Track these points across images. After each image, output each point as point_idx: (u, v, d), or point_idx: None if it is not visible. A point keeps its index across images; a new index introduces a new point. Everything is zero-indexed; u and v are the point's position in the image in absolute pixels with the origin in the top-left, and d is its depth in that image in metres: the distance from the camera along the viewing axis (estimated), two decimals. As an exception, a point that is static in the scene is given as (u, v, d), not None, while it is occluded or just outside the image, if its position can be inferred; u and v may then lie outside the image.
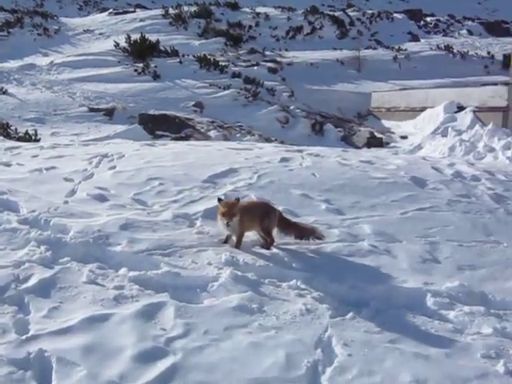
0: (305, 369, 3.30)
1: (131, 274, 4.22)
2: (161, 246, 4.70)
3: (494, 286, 4.64)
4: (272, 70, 25.61)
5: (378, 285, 4.41)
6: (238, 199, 4.78)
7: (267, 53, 28.70)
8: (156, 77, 22.80)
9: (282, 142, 15.48)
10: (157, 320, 3.69)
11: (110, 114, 19.22)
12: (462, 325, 3.97)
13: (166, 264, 4.41)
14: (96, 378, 3.13)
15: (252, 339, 3.54)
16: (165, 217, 5.32)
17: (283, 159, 7.38)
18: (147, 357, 3.31)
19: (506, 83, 21.73)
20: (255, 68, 25.28)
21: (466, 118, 19.61)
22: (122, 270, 4.29)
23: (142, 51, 24.73)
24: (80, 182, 6.19)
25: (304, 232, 5.02)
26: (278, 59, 27.65)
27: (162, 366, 3.25)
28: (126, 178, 6.33)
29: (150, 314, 3.73)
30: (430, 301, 4.26)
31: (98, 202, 5.64)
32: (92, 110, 19.48)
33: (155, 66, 23.58)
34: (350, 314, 3.94)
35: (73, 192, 5.90)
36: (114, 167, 6.75)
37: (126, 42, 25.47)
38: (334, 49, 30.53)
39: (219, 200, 4.77)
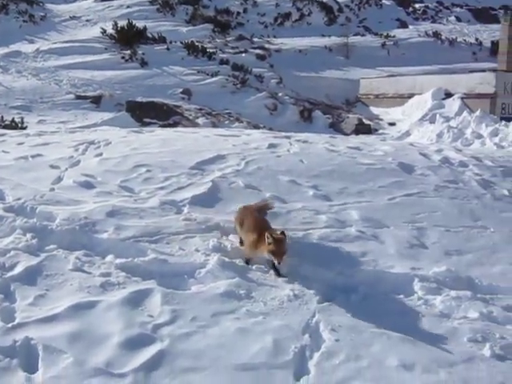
0: (292, 354, 3.32)
1: (118, 261, 4.21)
2: (148, 233, 4.68)
3: (480, 270, 4.67)
4: (260, 57, 25.50)
5: (365, 270, 4.43)
6: (283, 233, 4.26)
7: (255, 39, 28.54)
8: (143, 64, 22.63)
9: (270, 129, 15.43)
10: (144, 307, 3.68)
11: (97, 101, 19.06)
12: (448, 309, 4.00)
13: (152, 251, 4.40)
14: (82, 365, 3.13)
15: (239, 325, 3.54)
16: (152, 204, 5.29)
17: (271, 145, 7.36)
18: (134, 344, 3.32)
19: (493, 70, 21.82)
20: (243, 55, 25.15)
21: (453, 104, 19.68)
22: (109, 257, 4.28)
23: (129, 38, 24.50)
24: (66, 169, 6.13)
25: (263, 209, 4.97)
26: (266, 46, 27.51)
27: (148, 352, 3.26)
28: (112, 164, 6.28)
29: (136, 300, 3.73)
30: (417, 286, 4.28)
31: (84, 189, 5.59)
32: (79, 97, 19.30)
33: (142, 53, 23.40)
34: (338, 300, 3.96)
35: (59, 179, 5.85)
36: (101, 154, 6.69)
37: (112, 28, 25.19)
38: (323, 35, 30.41)
39: (272, 237, 4.13)
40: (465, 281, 4.45)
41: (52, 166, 6.22)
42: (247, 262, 4.42)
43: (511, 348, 3.57)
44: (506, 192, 6.58)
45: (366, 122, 19.99)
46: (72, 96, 19.38)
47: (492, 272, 4.67)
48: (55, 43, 24.91)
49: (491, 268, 4.75)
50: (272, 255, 4.12)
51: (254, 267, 4.33)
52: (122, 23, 25.23)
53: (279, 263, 4.14)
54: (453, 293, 4.19)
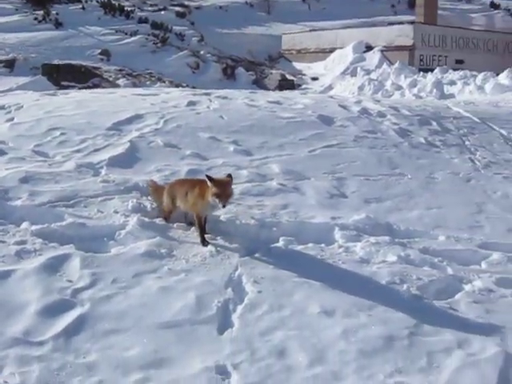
0: (215, 309, 3.32)
1: (34, 227, 4.07)
2: (64, 197, 4.54)
3: (398, 216, 4.81)
4: (180, 15, 24.96)
5: (286, 222, 4.45)
6: (230, 175, 4.08)
7: (174, -4, 27.88)
8: (58, 25, 21.72)
9: (193, 88, 15.22)
10: (62, 272, 3.59)
11: (10, 65, 18.23)
12: (368, 255, 4.09)
13: (70, 215, 4.28)
14: (-1, 336, 3.02)
15: (161, 284, 3.51)
16: (67, 167, 5.12)
17: (190, 103, 7.24)
18: (53, 310, 3.23)
19: (411, 22, 22.19)
20: (162, 12, 24.56)
21: (374, 57, 19.99)
22: (24, 225, 4.12)
23: (40, -3, 23.42)
24: (-25, 137, 5.84)
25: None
26: (186, 3, 26.92)
27: (69, 317, 3.18)
28: (24, 129, 6.03)
29: (54, 266, 3.62)
30: (337, 234, 4.35)
31: (-6, 156, 5.35)
32: (-10, 62, 18.39)
33: (56, 13, 22.44)
34: (260, 252, 3.97)
35: (-33, 147, 5.57)
36: (12, 119, 6.42)
37: (22, -13, 24.01)
38: (243, -9, 30.01)
39: (210, 178, 3.94)
40: (384, 227, 4.57)
41: (-41, 134, 5.91)
42: (201, 223, 4.12)
43: (427, 288, 3.70)
44: (422, 140, 6.77)
45: (289, 77, 20.02)
46: (-18, 61, 18.44)
47: (409, 217, 4.82)
48: (-40, 5, 23.48)
49: (408, 213, 4.90)
50: (216, 198, 3.86)
51: (175, 225, 4.28)
52: (32, -18, 24.00)
53: (224, 206, 3.90)
54: (372, 239, 4.30)
